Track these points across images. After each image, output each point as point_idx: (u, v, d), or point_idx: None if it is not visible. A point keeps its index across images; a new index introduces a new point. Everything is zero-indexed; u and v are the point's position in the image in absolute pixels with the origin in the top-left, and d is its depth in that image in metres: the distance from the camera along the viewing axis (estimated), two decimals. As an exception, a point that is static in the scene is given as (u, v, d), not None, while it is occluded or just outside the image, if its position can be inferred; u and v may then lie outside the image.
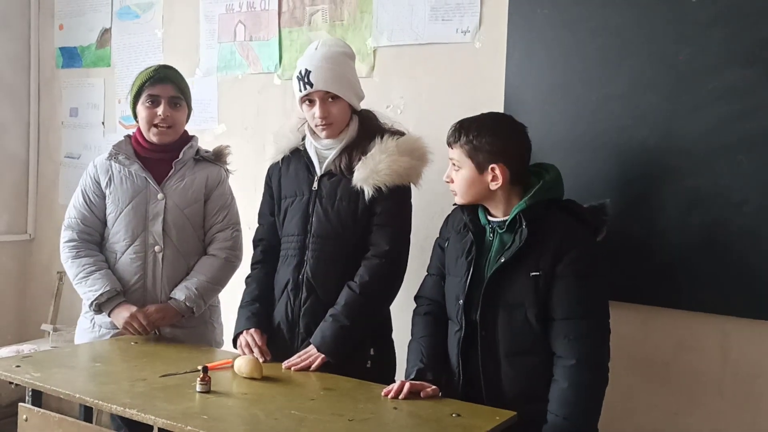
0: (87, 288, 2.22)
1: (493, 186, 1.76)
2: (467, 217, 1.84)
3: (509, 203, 1.78)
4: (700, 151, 1.99)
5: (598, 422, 1.70)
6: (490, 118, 1.82)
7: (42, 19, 3.54)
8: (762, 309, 1.93)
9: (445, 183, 1.86)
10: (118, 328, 2.25)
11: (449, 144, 1.82)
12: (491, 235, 1.81)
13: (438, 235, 1.99)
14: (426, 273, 2.00)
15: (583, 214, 1.79)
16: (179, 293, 2.23)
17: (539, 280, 1.70)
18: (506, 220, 1.76)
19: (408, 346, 1.91)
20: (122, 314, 2.20)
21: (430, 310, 1.93)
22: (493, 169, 1.75)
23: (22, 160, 3.57)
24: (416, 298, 2.00)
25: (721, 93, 1.95)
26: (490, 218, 1.82)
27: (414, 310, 1.98)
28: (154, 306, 2.23)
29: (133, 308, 2.20)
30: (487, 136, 1.75)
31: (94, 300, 2.20)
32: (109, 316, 2.22)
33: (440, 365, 1.85)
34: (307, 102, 2.01)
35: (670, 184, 2.03)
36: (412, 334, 1.93)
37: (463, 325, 1.78)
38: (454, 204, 1.91)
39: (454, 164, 1.81)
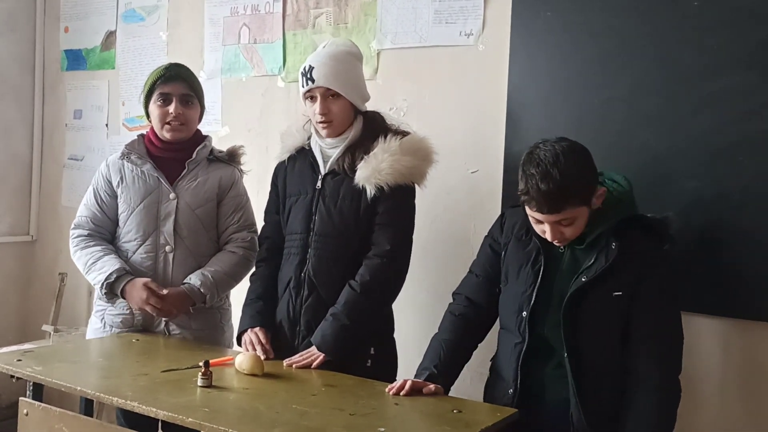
0: (96, 272, 2.20)
1: (598, 204, 1.70)
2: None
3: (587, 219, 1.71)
4: (700, 153, 2.00)
5: None
6: (564, 157, 1.63)
7: (47, 22, 3.56)
8: (763, 310, 1.93)
9: (554, 242, 1.71)
10: (128, 328, 2.25)
11: (554, 212, 1.64)
12: (562, 247, 1.75)
13: (488, 235, 1.92)
14: (469, 271, 1.95)
15: (654, 228, 1.75)
16: (195, 279, 2.20)
17: (621, 300, 1.67)
18: (586, 236, 1.70)
19: (431, 340, 1.88)
20: (138, 293, 2.15)
21: (465, 312, 1.88)
22: (598, 194, 1.70)
23: (25, 162, 3.58)
24: (455, 294, 1.95)
25: (721, 95, 1.97)
26: None
27: (449, 305, 1.93)
28: (168, 289, 2.18)
29: (146, 280, 2.16)
30: (581, 175, 1.65)
31: (105, 281, 2.17)
32: (122, 296, 2.19)
33: (455, 373, 1.83)
34: (309, 98, 2.03)
35: (671, 185, 2.03)
36: (438, 329, 1.90)
37: (527, 338, 1.73)
38: (513, 205, 1.83)
39: (562, 224, 1.67)
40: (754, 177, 1.93)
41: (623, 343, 1.69)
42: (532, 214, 1.69)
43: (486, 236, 1.94)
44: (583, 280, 1.68)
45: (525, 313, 1.73)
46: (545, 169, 1.62)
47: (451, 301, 1.95)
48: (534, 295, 1.73)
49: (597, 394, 1.68)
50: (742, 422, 2.00)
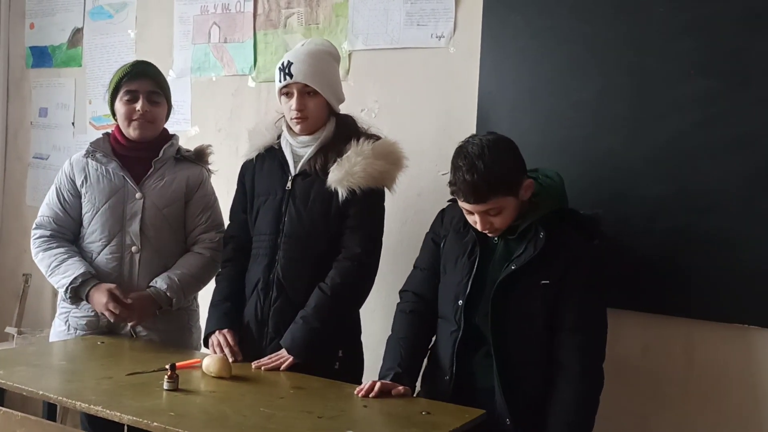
0: (60, 275, 2.15)
1: (527, 197, 1.76)
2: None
3: (519, 209, 1.77)
4: (665, 157, 2.03)
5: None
6: (489, 150, 1.70)
7: (12, 18, 3.48)
8: (724, 312, 1.97)
9: (484, 232, 1.77)
10: (93, 330, 2.20)
11: (480, 202, 1.71)
12: (496, 238, 1.80)
13: (430, 230, 1.96)
14: (414, 267, 1.97)
15: (584, 223, 1.80)
16: (161, 282, 2.17)
17: (548, 289, 1.72)
18: (518, 227, 1.75)
19: (387, 342, 1.89)
20: (99, 298, 2.12)
21: (416, 308, 1.91)
22: (525, 186, 1.75)
23: (-12, 160, 3.51)
24: (401, 292, 1.97)
25: (686, 101, 2.00)
26: None
27: (398, 305, 1.95)
28: (133, 295, 2.15)
29: (111, 286, 2.12)
30: (506, 166, 1.71)
31: (69, 284, 2.12)
32: (87, 301, 2.15)
33: (418, 369, 1.85)
34: (285, 94, 2.01)
35: (636, 190, 2.06)
36: (392, 330, 1.91)
37: (462, 326, 1.77)
38: (449, 200, 1.88)
39: (490, 213, 1.73)
40: (718, 181, 1.96)
41: (549, 333, 1.73)
42: (461, 204, 1.75)
43: (427, 233, 1.98)
44: (512, 268, 1.73)
45: (461, 301, 1.78)
46: (471, 161, 1.70)
47: (399, 300, 1.96)
48: (470, 284, 1.77)
49: (520, 382, 1.73)
50: (705, 423, 2.02)
